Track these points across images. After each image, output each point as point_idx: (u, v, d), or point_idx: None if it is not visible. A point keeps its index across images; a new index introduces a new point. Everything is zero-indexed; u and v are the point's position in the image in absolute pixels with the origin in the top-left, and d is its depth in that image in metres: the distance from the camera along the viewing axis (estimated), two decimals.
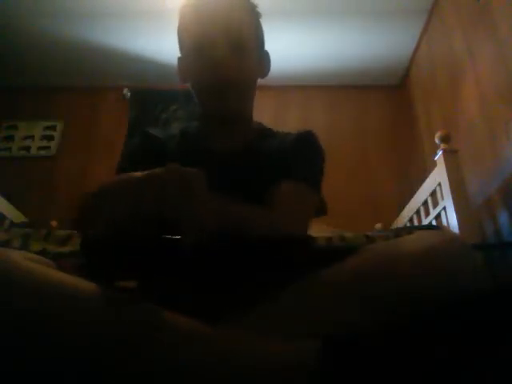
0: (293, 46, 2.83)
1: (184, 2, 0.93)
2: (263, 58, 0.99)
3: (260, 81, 0.98)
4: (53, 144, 3.06)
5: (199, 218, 0.52)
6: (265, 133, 1.00)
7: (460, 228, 1.59)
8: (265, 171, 0.90)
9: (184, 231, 0.51)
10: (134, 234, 0.51)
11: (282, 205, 0.81)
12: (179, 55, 0.99)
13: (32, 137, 3.09)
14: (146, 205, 0.51)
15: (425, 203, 2.02)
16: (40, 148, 3.06)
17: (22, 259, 0.53)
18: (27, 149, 3.06)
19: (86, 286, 0.53)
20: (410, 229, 0.77)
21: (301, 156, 0.93)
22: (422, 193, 2.04)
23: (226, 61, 0.86)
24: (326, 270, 0.63)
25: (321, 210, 0.96)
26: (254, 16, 0.96)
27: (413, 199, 2.19)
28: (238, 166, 0.90)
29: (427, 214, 2.00)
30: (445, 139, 1.83)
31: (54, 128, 3.11)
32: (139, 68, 3.02)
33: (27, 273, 0.51)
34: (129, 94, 3.15)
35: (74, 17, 2.67)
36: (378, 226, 2.53)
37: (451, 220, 1.67)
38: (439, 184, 1.81)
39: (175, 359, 0.50)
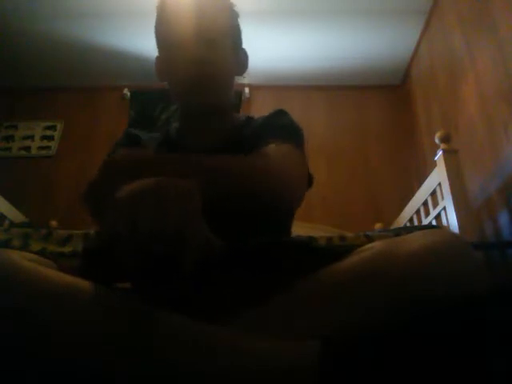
0: (293, 46, 2.83)
1: (159, 1, 0.93)
2: (240, 56, 0.98)
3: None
4: (53, 144, 3.06)
5: (201, 232, 0.50)
6: (244, 124, 0.98)
7: (460, 228, 1.58)
8: None
9: (186, 246, 0.49)
10: (137, 250, 0.49)
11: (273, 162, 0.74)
12: (157, 54, 0.98)
13: (32, 137, 3.08)
14: (146, 221, 0.48)
15: (425, 203, 2.02)
16: (40, 148, 3.06)
17: (22, 259, 0.53)
18: (27, 149, 3.05)
19: (85, 286, 0.53)
20: (409, 229, 0.77)
21: (276, 123, 0.90)
22: (422, 193, 2.04)
23: (202, 57, 0.85)
24: (326, 269, 0.63)
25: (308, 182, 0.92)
26: (230, 14, 0.94)
27: (413, 199, 2.19)
28: None
29: (427, 213, 2.00)
30: (445, 139, 1.83)
31: (54, 128, 3.10)
32: (139, 68, 3.02)
33: (27, 273, 0.51)
34: (129, 93, 3.14)
35: (74, 17, 2.67)
36: (378, 225, 2.53)
37: (451, 220, 1.66)
38: (439, 184, 1.81)
39: (175, 359, 0.50)
